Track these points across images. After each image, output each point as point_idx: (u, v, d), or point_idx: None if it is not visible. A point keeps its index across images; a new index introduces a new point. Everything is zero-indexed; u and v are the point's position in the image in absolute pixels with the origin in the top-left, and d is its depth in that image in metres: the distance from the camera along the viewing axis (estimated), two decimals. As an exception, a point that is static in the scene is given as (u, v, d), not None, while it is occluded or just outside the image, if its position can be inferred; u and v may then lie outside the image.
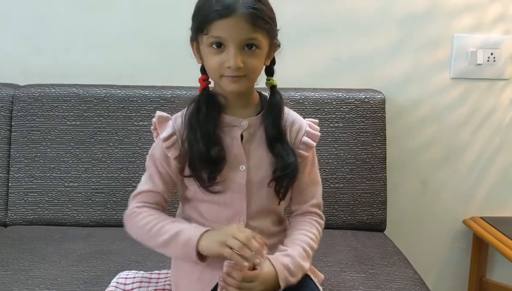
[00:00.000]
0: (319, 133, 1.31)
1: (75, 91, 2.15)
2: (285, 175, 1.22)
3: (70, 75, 2.24)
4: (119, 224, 2.13)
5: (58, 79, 2.22)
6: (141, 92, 2.15)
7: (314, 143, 1.30)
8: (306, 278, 1.32)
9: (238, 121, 1.22)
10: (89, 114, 2.12)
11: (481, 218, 2.32)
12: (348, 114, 2.16)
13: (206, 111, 1.18)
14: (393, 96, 2.25)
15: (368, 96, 2.17)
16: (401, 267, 1.74)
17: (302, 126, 1.30)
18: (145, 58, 2.12)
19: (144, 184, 1.29)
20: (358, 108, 2.15)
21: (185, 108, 1.24)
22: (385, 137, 2.15)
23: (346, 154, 2.12)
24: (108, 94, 2.14)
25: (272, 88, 1.26)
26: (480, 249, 2.32)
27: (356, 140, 2.13)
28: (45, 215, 2.09)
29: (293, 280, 1.16)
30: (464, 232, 2.37)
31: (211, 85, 1.26)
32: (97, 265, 1.68)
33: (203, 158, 1.17)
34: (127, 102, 2.13)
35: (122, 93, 2.15)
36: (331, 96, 2.16)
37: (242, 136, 1.23)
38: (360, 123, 2.14)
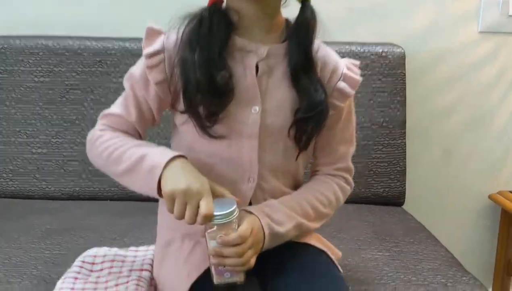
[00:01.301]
0: (359, 78, 1.05)
1: (43, 43, 1.85)
2: (310, 118, 0.98)
3: (40, 26, 1.93)
4: (96, 197, 1.86)
5: (25, 30, 1.91)
6: (120, 44, 1.85)
7: (353, 91, 1.04)
8: (321, 254, 1.05)
9: (255, 46, 0.96)
10: (60, 69, 1.83)
11: (510, 192, 2.04)
12: (363, 71, 1.83)
13: (212, 27, 0.92)
14: (414, 51, 1.96)
15: (386, 50, 1.88)
16: (430, 244, 1.46)
17: (338, 67, 1.04)
18: (131, 5, 1.81)
19: (116, 106, 1.04)
20: (374, 64, 1.87)
21: (183, 25, 0.95)
22: (405, 98, 1.87)
23: (361, 117, 1.84)
24: (82, 47, 1.84)
25: (304, 2, 0.99)
26: (508, 226, 2.05)
27: (372, 101, 1.85)
28: (8, 186, 1.80)
29: (281, 229, 0.96)
30: (491, 208, 2.10)
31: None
32: (63, 243, 1.39)
33: (203, 85, 0.92)
34: (104, 55, 1.83)
35: (99, 45, 1.85)
36: (343, 50, 1.87)
37: (257, 67, 0.97)
38: (377, 81, 1.86)
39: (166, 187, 0.85)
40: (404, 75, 1.87)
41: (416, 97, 1.98)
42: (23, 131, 1.81)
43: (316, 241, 1.10)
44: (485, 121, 2.07)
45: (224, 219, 0.86)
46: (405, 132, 1.86)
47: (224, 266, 0.89)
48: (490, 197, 2.10)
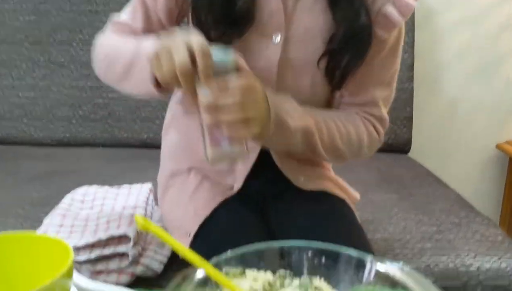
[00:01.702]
0: (414, 3, 0.81)
1: (28, -22, 1.71)
2: (347, 48, 0.81)
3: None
4: (87, 143, 1.78)
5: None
6: (111, -20, 1.72)
7: (402, 20, 0.82)
8: (338, 200, 0.97)
9: None
10: (46, 7, 1.71)
11: (519, 141, 1.97)
12: (369, 10, 1.75)
13: None
14: (423, -8, 1.84)
15: (393, -12, 1.76)
16: (439, 188, 1.39)
17: None
18: None
19: (124, 14, 0.91)
20: None
21: None
22: (414, 39, 1.77)
23: (366, 59, 1.73)
24: (69, -18, 1.71)
25: None
26: (516, 178, 1.98)
27: (378, 43, 1.73)
28: (-6, 131, 1.70)
29: (289, 121, 0.79)
30: (499, 158, 2.03)
31: None
32: (52, 185, 1.31)
33: (216, 5, 0.78)
34: (94, -8, 1.71)
35: (88, -20, 1.72)
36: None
37: None
38: (384, 21, 1.74)
39: (154, 48, 0.70)
40: (413, 15, 1.76)
41: (425, 42, 1.87)
42: (8, 74, 1.70)
43: (332, 185, 1.00)
44: (495, 68, 1.97)
45: (222, 59, 0.68)
46: (413, 76, 1.77)
47: (220, 126, 0.69)
48: (497, 146, 2.02)
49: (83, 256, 0.90)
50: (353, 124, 0.90)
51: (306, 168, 0.97)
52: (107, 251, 0.91)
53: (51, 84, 1.71)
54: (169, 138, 1.03)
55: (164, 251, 0.98)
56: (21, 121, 1.71)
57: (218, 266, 0.58)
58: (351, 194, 1.02)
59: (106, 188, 1.13)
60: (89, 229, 0.97)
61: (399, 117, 1.76)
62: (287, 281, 0.63)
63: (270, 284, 0.60)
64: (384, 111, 0.94)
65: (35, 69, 1.70)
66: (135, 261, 0.94)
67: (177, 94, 1.01)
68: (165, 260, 0.96)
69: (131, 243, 0.92)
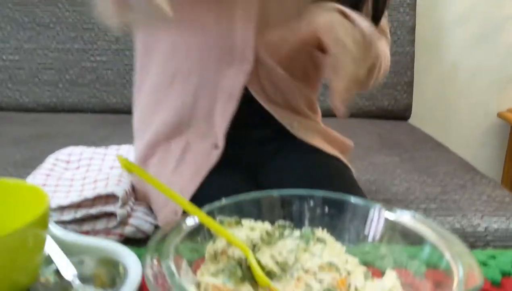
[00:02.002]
0: None
1: None
2: None
3: None
4: (75, 109, 1.70)
5: None
6: None
7: None
8: (333, 159, 0.92)
9: None
10: (29, -36, 1.61)
11: (521, 109, 1.92)
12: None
13: None
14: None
15: None
16: (442, 152, 1.33)
17: None
18: None
19: None
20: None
21: None
22: (415, 1, 1.69)
23: (366, 21, 1.66)
24: None
25: None
26: (517, 147, 1.93)
27: (378, 4, 1.66)
28: (-22, 96, 1.63)
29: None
30: (500, 126, 1.98)
31: None
32: (36, 147, 1.25)
33: None
34: None
35: None
36: None
37: None
38: (384, -19, 1.67)
39: None
40: (415, -24, 1.69)
41: (427, 4, 1.80)
42: (-9, 36, 1.62)
43: (324, 139, 0.95)
44: (497, 32, 1.91)
45: None
46: (414, 40, 1.70)
47: None
48: (499, 115, 1.97)
49: (68, 216, 0.85)
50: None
51: (297, 117, 0.91)
52: (94, 210, 0.86)
53: (37, 46, 1.63)
54: (141, 105, 0.95)
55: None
56: (5, 86, 1.63)
57: (211, 214, 0.52)
58: (344, 143, 0.97)
59: (93, 149, 1.07)
60: (75, 188, 0.91)
61: (400, 82, 1.70)
62: (287, 231, 0.57)
63: (268, 234, 0.55)
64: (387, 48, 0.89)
65: (19, 31, 1.62)
66: (124, 222, 0.88)
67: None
68: (155, 221, 0.91)
69: (119, 203, 0.87)
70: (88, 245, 0.56)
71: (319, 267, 0.54)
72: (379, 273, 0.56)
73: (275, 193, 0.58)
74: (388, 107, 1.71)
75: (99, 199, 0.88)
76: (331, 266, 0.54)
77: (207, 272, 0.50)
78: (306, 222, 0.59)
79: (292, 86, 0.88)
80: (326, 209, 0.58)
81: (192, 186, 0.83)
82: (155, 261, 0.43)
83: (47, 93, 1.64)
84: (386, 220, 0.54)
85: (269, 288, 0.49)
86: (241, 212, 0.56)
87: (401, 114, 1.73)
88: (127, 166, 0.47)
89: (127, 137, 1.24)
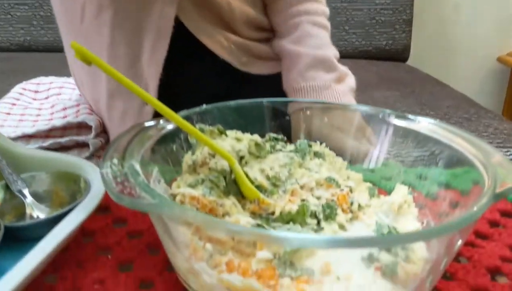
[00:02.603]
0: None
1: None
2: None
3: None
4: (51, 48, 1.59)
5: None
6: None
7: None
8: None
9: None
10: None
11: (523, 53, 1.84)
12: None
13: None
14: None
15: None
16: (444, 88, 1.26)
17: None
18: None
19: None
20: None
21: None
22: None
23: (363, -48, 1.55)
24: None
25: None
26: (517, 92, 1.86)
27: None
28: None
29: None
30: (499, 72, 1.90)
31: None
32: (5, 81, 1.14)
33: None
34: None
35: None
36: None
37: None
38: None
39: None
40: None
41: None
42: (-44, -33, 1.49)
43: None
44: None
45: None
46: (414, -26, 1.59)
47: None
48: (499, 59, 1.89)
49: (34, 145, 0.76)
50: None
51: (248, 46, 0.77)
52: (64, 140, 0.77)
53: (7, -21, 1.50)
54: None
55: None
56: (-26, 22, 1.51)
57: (189, 121, 0.43)
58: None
59: (64, 78, 0.97)
60: (43, 118, 0.82)
61: (398, 20, 1.59)
62: (279, 145, 0.49)
63: (257, 146, 0.47)
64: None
65: (-14, -39, 1.49)
66: (98, 154, 0.79)
67: None
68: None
69: (93, 133, 0.78)
70: (44, 158, 0.47)
71: (316, 182, 0.46)
72: (386, 194, 0.48)
73: (265, 101, 0.50)
74: (385, 47, 1.62)
75: (70, 129, 0.79)
76: (330, 181, 0.47)
77: (184, 184, 0.41)
78: (302, 136, 0.51)
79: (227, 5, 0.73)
80: (326, 119, 0.50)
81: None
82: (115, 160, 0.34)
83: (21, 31, 1.53)
84: (396, 127, 0.46)
85: (258, 201, 0.41)
86: (224, 121, 0.47)
87: (399, 55, 1.63)
88: (82, 54, 0.38)
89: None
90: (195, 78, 0.79)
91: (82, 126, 0.80)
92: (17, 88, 0.92)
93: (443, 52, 1.86)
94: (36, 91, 0.92)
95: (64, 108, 0.82)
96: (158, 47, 0.70)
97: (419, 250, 0.37)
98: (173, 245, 0.34)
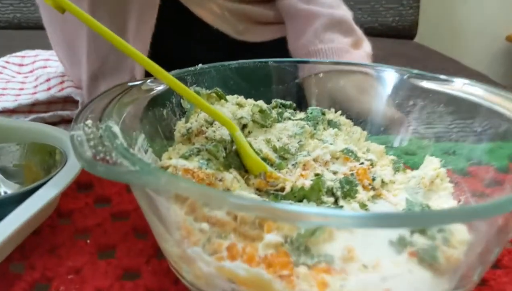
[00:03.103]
0: None
1: None
2: None
3: None
4: (42, 26, 1.52)
5: None
6: None
7: None
8: None
9: None
10: None
11: (532, 32, 1.77)
12: None
13: None
14: None
15: None
16: (456, 64, 1.19)
17: None
18: None
19: None
20: None
21: None
22: None
23: None
24: None
25: None
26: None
27: None
28: None
29: None
30: (508, 51, 1.82)
31: None
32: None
33: None
34: None
35: None
36: None
37: None
38: None
39: None
40: None
41: None
42: None
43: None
44: None
45: None
46: None
47: None
48: (507, 38, 1.81)
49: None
50: None
51: (244, 11, 0.70)
52: (48, 115, 0.70)
53: (-7, -49, 1.42)
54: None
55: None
56: (-41, -3, 1.43)
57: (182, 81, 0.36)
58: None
59: (51, 51, 0.90)
60: (26, 92, 0.75)
61: (406, -5, 1.52)
62: (287, 112, 0.43)
63: (263, 113, 0.40)
64: None
65: None
66: (87, 131, 0.72)
67: None
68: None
69: (79, 108, 0.71)
70: (15, 127, 0.41)
71: (331, 155, 0.40)
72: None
73: (272, 61, 0.43)
74: (392, 24, 1.54)
75: (55, 103, 0.73)
76: (348, 154, 0.40)
77: (176, 155, 0.35)
78: (314, 102, 0.44)
79: None
80: (346, 82, 0.43)
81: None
82: (89, 122, 0.28)
83: (10, 8, 1.45)
84: (425, 90, 0.40)
85: (264, 175, 0.34)
86: (224, 84, 0.41)
87: (407, 32, 1.56)
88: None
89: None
90: (185, 54, 0.71)
91: (68, 101, 0.73)
92: (0, 61, 0.85)
93: (450, 30, 1.79)
94: (20, 65, 0.85)
95: (48, 80, 0.75)
96: (144, 21, 0.62)
97: (459, 231, 0.31)
98: (162, 226, 0.27)
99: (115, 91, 0.33)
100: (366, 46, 0.67)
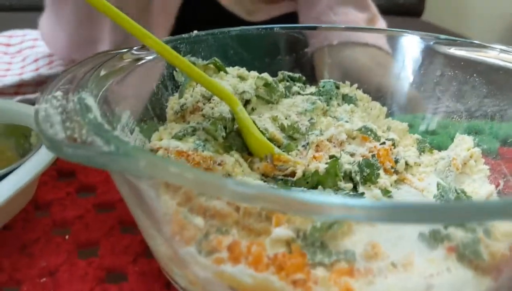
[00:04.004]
0: None
1: None
2: None
3: None
4: (36, 7, 1.46)
5: None
6: None
7: None
8: None
9: None
10: None
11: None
12: None
13: None
14: None
15: None
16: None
17: None
18: None
19: None
20: None
21: None
22: None
23: None
24: None
25: None
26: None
27: None
28: None
29: None
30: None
31: None
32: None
33: None
34: None
35: None
36: None
37: None
38: None
39: None
40: None
41: None
42: None
43: None
44: None
45: None
46: None
47: None
48: (517, 15, 1.75)
49: (0, 104, 0.64)
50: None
51: None
52: (35, 96, 0.65)
53: None
54: None
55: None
56: None
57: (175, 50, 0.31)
58: None
59: (39, 31, 0.84)
60: (12, 72, 0.70)
61: (413, -29, 1.45)
62: (296, 86, 0.37)
63: (268, 87, 0.35)
64: None
65: None
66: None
67: None
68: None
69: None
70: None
71: (347, 134, 0.35)
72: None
73: (278, 28, 0.37)
74: (399, 1, 1.48)
75: (43, 84, 0.67)
76: (367, 133, 0.35)
77: (168, 136, 0.30)
78: (326, 75, 0.39)
79: None
80: (357, 53, 0.37)
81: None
82: (59, 94, 0.23)
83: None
84: (455, 58, 0.34)
85: (271, 157, 0.29)
86: (224, 54, 0.35)
87: (414, 9, 1.50)
88: None
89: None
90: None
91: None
92: (-16, 42, 0.79)
93: (457, 9, 1.72)
94: (7, 45, 0.80)
95: (36, 60, 0.70)
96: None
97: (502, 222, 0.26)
98: (148, 220, 0.22)
99: (96, 59, 0.28)
100: (381, 23, 0.62)
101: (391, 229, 0.28)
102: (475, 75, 0.33)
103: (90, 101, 0.22)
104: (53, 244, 0.28)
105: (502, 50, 0.33)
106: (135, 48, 0.30)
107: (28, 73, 0.67)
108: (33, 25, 1.26)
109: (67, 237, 0.29)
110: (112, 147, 0.18)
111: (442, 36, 0.35)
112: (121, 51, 0.30)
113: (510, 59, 0.32)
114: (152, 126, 0.31)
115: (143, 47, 0.30)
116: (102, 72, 0.27)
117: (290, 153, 0.32)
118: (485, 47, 0.34)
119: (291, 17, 0.66)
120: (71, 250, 0.28)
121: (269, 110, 0.35)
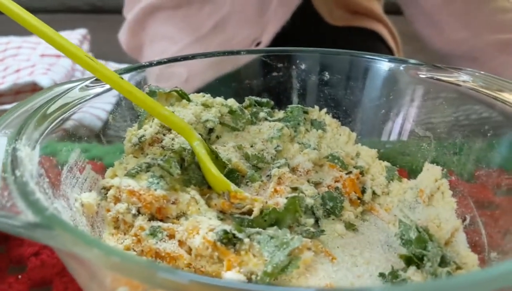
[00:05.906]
0: None
1: None
2: None
3: None
4: (32, 9, 1.45)
5: None
6: None
7: None
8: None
9: None
10: None
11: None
12: None
13: None
14: None
15: None
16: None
17: None
18: None
19: None
20: None
21: None
22: None
23: None
24: None
25: None
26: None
27: None
28: None
29: None
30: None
31: None
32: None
33: None
34: None
35: None
36: None
37: None
38: None
39: None
40: None
41: None
42: None
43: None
44: None
45: None
46: None
47: None
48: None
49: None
50: None
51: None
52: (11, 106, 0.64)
53: None
54: None
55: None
56: None
57: (137, 86, 0.30)
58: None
59: (24, 38, 0.83)
60: (-7, 82, 0.69)
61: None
62: (263, 113, 0.36)
63: (233, 114, 0.34)
64: None
65: None
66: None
67: None
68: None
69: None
70: None
71: (314, 163, 0.34)
72: (406, 175, 0.35)
73: (243, 52, 0.36)
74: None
75: (23, 93, 0.67)
76: (334, 161, 0.34)
77: (124, 171, 0.29)
78: (295, 98, 0.38)
79: None
80: (327, 75, 0.36)
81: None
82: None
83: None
84: (427, 84, 0.33)
85: (228, 195, 0.28)
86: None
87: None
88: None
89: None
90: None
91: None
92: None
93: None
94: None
95: (18, 70, 0.69)
96: None
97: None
98: (86, 272, 0.22)
99: (42, 95, 0.27)
100: None
101: (349, 266, 0.27)
102: (444, 102, 0.32)
103: (23, 153, 0.21)
104: (5, 284, 0.28)
105: (474, 76, 0.32)
106: (88, 81, 0.29)
107: (5, 84, 0.66)
108: (19, 28, 1.24)
109: (19, 277, 0.28)
110: (40, 217, 0.17)
111: (412, 61, 0.34)
112: (74, 85, 0.29)
113: (481, 86, 0.31)
114: (111, 160, 0.30)
115: (97, 80, 0.29)
116: (46, 110, 0.26)
117: (253, 184, 0.31)
118: (457, 74, 0.33)
119: (371, 33, 0.73)
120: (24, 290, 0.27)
121: (234, 138, 0.34)
